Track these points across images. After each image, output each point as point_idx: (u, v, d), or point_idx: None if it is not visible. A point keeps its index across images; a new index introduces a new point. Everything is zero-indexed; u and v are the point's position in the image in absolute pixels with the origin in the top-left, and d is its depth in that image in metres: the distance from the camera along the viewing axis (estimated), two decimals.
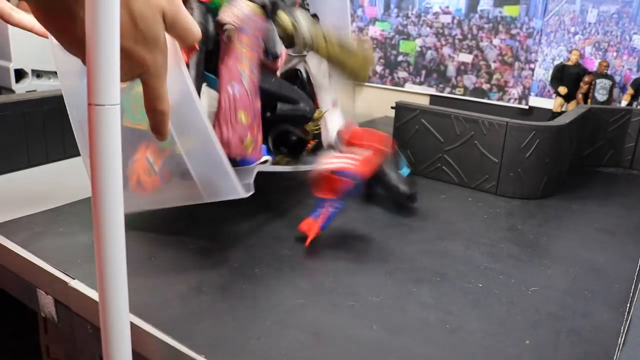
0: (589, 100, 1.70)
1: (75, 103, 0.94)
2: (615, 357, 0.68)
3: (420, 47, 2.04)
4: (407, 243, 0.94)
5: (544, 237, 1.02)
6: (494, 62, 1.91)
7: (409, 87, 2.09)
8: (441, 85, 2.04)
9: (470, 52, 1.95)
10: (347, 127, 0.87)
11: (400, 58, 2.10)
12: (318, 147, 1.04)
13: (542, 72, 1.83)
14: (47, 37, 0.75)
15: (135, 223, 0.96)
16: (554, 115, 1.73)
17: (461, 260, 0.91)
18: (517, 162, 1.20)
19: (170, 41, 0.58)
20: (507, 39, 1.86)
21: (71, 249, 0.90)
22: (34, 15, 0.52)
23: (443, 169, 1.29)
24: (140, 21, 0.50)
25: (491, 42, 1.90)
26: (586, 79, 1.70)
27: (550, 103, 1.81)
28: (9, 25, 1.15)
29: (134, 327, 0.69)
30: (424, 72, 2.07)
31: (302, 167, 0.95)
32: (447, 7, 1.94)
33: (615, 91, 1.70)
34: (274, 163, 0.97)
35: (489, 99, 1.93)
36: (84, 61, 0.51)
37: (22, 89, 1.64)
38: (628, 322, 0.74)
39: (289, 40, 0.91)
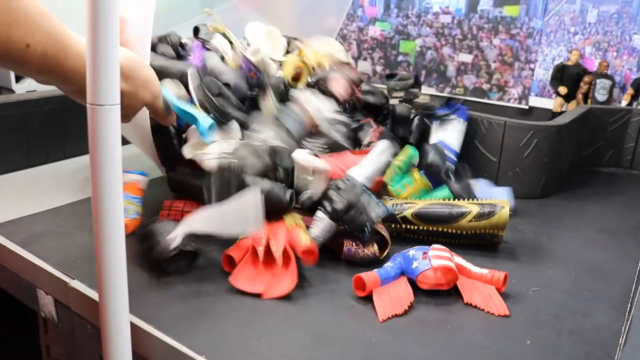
0: (589, 100, 1.70)
1: None
2: (616, 357, 0.67)
3: (420, 47, 2.04)
4: (406, 242, 0.94)
5: (544, 237, 1.02)
6: (494, 62, 1.91)
7: None
8: (441, 85, 2.04)
9: (470, 52, 1.95)
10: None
11: (400, 58, 2.10)
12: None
13: (542, 72, 1.83)
14: None
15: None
16: (554, 115, 1.73)
17: None
18: (516, 162, 1.20)
19: None
20: (507, 39, 1.86)
21: (71, 249, 0.90)
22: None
23: None
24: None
25: (491, 42, 1.90)
26: (586, 79, 1.70)
27: (550, 103, 1.81)
28: None
29: (134, 327, 0.68)
30: (424, 72, 2.07)
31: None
32: (447, 7, 1.94)
33: (615, 91, 1.70)
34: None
35: (489, 99, 1.93)
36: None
37: (22, 89, 1.64)
38: (629, 322, 0.74)
39: None
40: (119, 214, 0.56)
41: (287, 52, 1.17)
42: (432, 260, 0.79)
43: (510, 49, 1.87)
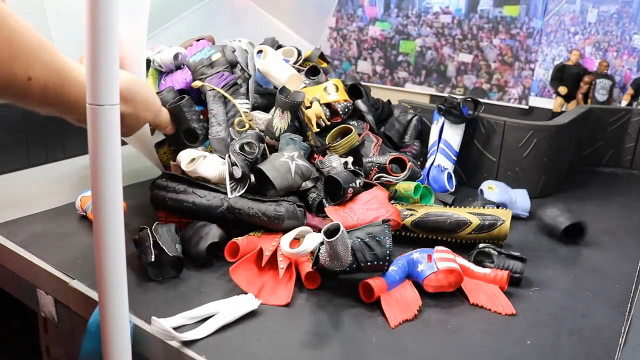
0: (589, 100, 1.70)
1: None
2: (616, 357, 0.68)
3: (420, 47, 2.04)
4: (406, 244, 0.94)
5: (544, 237, 1.02)
6: (494, 62, 1.91)
7: (409, 87, 2.09)
8: (441, 85, 2.04)
9: (470, 52, 1.95)
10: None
11: (400, 58, 2.10)
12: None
13: (542, 72, 1.83)
14: None
15: (136, 223, 0.96)
16: (554, 115, 1.73)
17: None
18: (515, 162, 1.20)
19: None
20: (507, 39, 1.86)
21: (71, 249, 0.90)
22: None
23: None
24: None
25: (491, 42, 1.90)
26: (586, 79, 1.70)
27: (550, 103, 1.81)
28: None
29: (134, 327, 0.69)
30: (424, 72, 2.07)
31: None
32: (447, 7, 1.94)
33: (615, 91, 1.70)
34: None
35: (489, 99, 1.93)
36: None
37: None
38: (629, 322, 0.74)
39: None
40: (119, 213, 0.56)
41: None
42: (438, 262, 0.79)
43: (510, 49, 1.87)
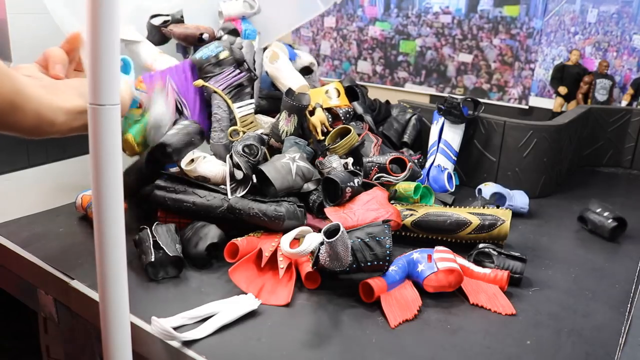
0: (589, 100, 1.70)
1: None
2: (616, 357, 0.67)
3: (420, 47, 2.04)
4: (406, 244, 0.94)
5: (544, 237, 1.02)
6: (494, 62, 1.91)
7: (409, 87, 2.09)
8: (441, 85, 2.04)
9: (470, 52, 1.95)
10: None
11: (400, 58, 2.10)
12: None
13: (542, 72, 1.83)
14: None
15: (135, 224, 0.96)
16: (554, 115, 1.73)
17: None
18: (515, 161, 1.20)
19: None
20: (507, 39, 1.86)
21: (71, 249, 0.90)
22: None
23: None
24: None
25: (491, 42, 1.90)
26: (586, 79, 1.70)
27: (550, 103, 1.81)
28: (9, 25, 1.15)
29: (134, 327, 0.69)
30: (424, 72, 2.07)
31: None
32: (447, 7, 1.94)
33: (615, 91, 1.69)
34: None
35: (489, 99, 1.93)
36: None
37: None
38: (629, 322, 0.74)
39: None
40: (119, 214, 0.56)
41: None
42: (438, 262, 0.79)
43: (510, 49, 1.87)
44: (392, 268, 0.80)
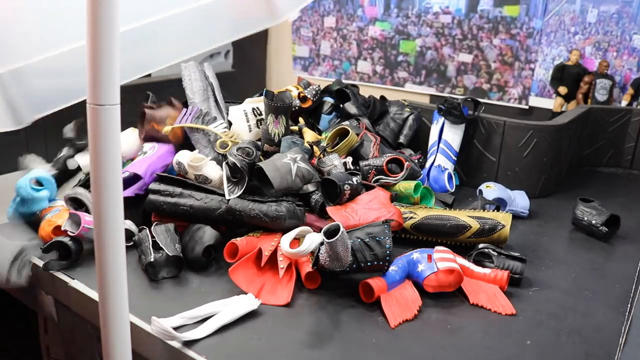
0: (589, 100, 1.70)
1: None
2: (616, 357, 0.67)
3: (420, 47, 2.04)
4: (406, 244, 0.94)
5: (544, 237, 1.02)
6: (494, 62, 1.91)
7: (409, 87, 2.09)
8: (441, 85, 2.04)
9: (470, 52, 1.95)
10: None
11: (400, 58, 2.10)
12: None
13: (542, 72, 1.83)
14: None
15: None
16: (554, 115, 1.73)
17: None
18: (515, 161, 1.20)
19: None
20: (507, 39, 1.86)
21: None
22: None
23: None
24: None
25: (491, 42, 1.90)
26: (586, 78, 1.70)
27: (550, 103, 1.81)
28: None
29: (134, 327, 0.68)
30: (424, 72, 2.07)
31: None
32: (447, 7, 1.94)
33: (615, 91, 1.69)
34: None
35: (489, 99, 1.93)
36: None
37: None
38: (629, 322, 0.74)
39: None
40: (119, 214, 0.56)
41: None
42: (438, 262, 0.79)
43: (510, 49, 1.87)
44: (392, 268, 0.80)
